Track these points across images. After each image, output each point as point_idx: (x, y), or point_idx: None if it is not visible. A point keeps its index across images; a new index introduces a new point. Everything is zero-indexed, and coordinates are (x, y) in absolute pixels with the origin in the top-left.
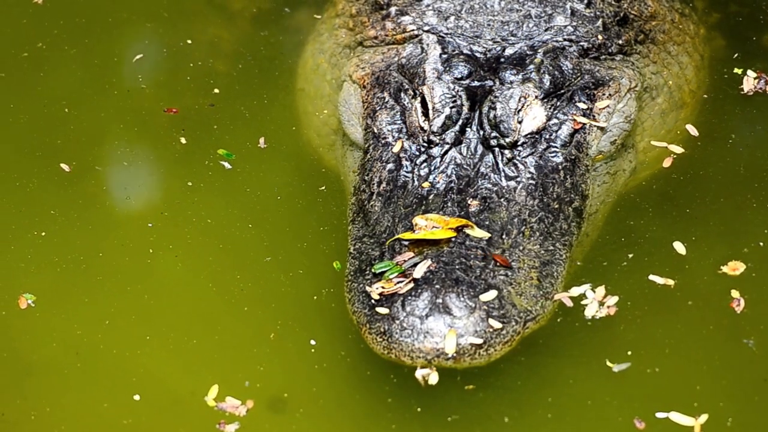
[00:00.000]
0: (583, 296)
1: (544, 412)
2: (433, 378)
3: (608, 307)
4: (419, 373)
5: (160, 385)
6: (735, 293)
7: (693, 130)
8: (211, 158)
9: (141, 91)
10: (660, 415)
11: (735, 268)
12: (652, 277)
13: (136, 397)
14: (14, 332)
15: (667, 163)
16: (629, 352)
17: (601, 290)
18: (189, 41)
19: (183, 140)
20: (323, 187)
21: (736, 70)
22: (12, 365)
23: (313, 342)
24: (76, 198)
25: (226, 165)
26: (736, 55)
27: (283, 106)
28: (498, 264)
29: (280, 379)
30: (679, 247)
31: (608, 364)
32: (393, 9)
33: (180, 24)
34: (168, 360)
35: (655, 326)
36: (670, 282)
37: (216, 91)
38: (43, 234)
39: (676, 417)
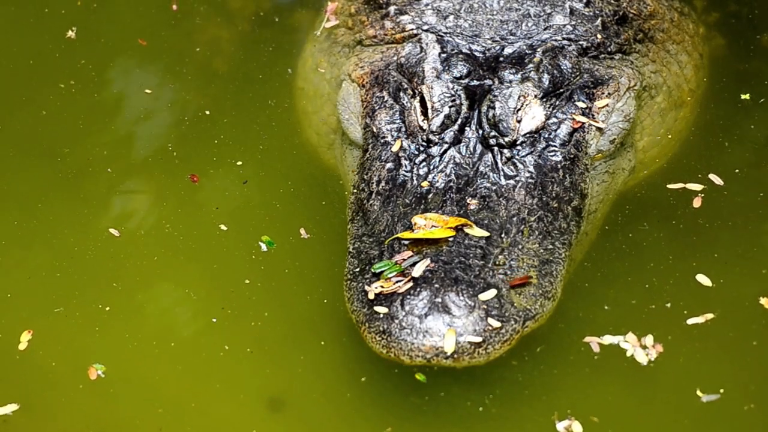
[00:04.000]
0: (619, 348)
1: None
2: (577, 428)
3: (653, 346)
4: (561, 426)
5: None
6: None
7: (717, 180)
8: (253, 251)
9: (171, 159)
10: None
11: None
12: (691, 321)
13: None
14: (85, 402)
15: (697, 203)
16: (721, 390)
17: (631, 336)
18: (207, 111)
19: (223, 227)
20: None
21: (743, 96)
22: None
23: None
24: (133, 274)
25: (263, 246)
26: (756, 99)
27: (315, 181)
28: (517, 285)
29: None
30: (704, 280)
31: (698, 393)
32: (392, 8)
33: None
34: None
35: (721, 362)
36: (709, 315)
37: (239, 163)
38: (108, 309)
39: None
